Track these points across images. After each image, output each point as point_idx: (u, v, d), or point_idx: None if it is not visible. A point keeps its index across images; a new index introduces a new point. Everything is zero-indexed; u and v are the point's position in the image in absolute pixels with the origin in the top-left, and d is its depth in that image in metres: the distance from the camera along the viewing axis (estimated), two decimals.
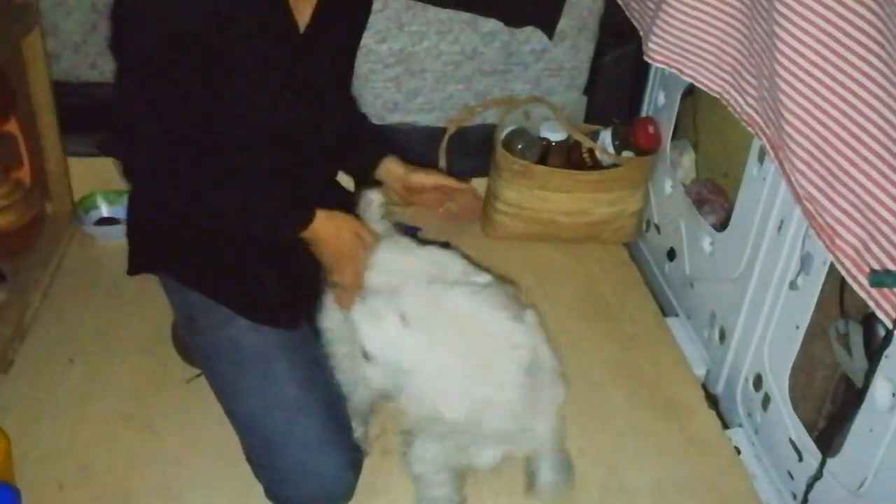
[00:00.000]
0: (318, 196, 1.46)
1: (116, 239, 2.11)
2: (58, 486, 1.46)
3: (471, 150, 2.28)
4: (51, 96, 1.99)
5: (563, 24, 2.15)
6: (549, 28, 2.14)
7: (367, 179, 1.64)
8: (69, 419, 1.60)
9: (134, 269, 1.56)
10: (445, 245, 1.59)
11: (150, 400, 1.66)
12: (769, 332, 1.60)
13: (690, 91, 1.99)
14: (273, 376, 1.41)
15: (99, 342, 1.79)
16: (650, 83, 2.19)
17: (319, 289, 1.47)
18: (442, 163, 2.24)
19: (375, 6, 2.03)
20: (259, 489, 1.41)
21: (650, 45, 1.57)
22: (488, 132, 2.24)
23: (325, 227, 1.38)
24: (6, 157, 1.95)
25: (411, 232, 2.17)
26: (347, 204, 1.53)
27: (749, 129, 1.40)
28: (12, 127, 1.98)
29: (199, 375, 1.65)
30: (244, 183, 1.38)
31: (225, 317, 1.44)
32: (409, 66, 2.15)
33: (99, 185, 2.19)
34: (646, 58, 1.60)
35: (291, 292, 1.48)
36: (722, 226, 1.82)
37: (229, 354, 1.43)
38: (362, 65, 2.13)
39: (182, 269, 1.51)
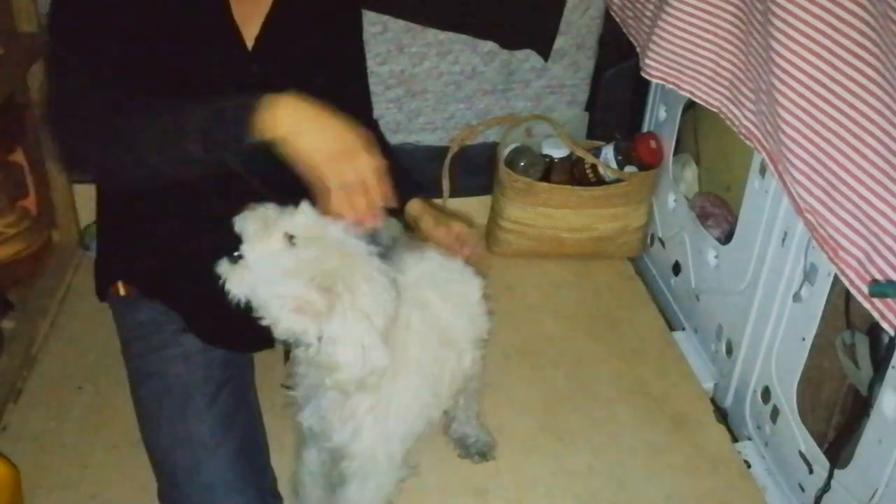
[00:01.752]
0: None
1: None
2: None
3: (473, 169, 2.29)
4: None
5: (563, 41, 2.16)
6: (544, 51, 2.16)
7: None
8: (79, 447, 1.60)
9: (99, 280, 1.49)
10: None
11: None
12: (776, 344, 1.60)
13: (691, 105, 1.99)
14: (190, 411, 1.33)
15: (107, 369, 1.79)
16: (651, 98, 2.19)
17: None
18: (445, 182, 2.25)
19: (374, 29, 2.05)
20: None
21: (647, 61, 1.57)
22: (490, 150, 2.25)
23: (295, 110, 1.08)
24: (13, 187, 1.97)
25: None
26: None
27: (748, 142, 1.40)
28: (18, 157, 2.00)
29: None
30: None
31: (159, 344, 1.38)
32: (410, 87, 2.17)
33: None
34: (643, 73, 1.61)
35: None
36: (726, 239, 1.82)
37: (153, 383, 1.37)
38: None
39: (146, 278, 1.43)
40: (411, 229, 1.56)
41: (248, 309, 1.15)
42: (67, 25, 1.21)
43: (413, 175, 1.60)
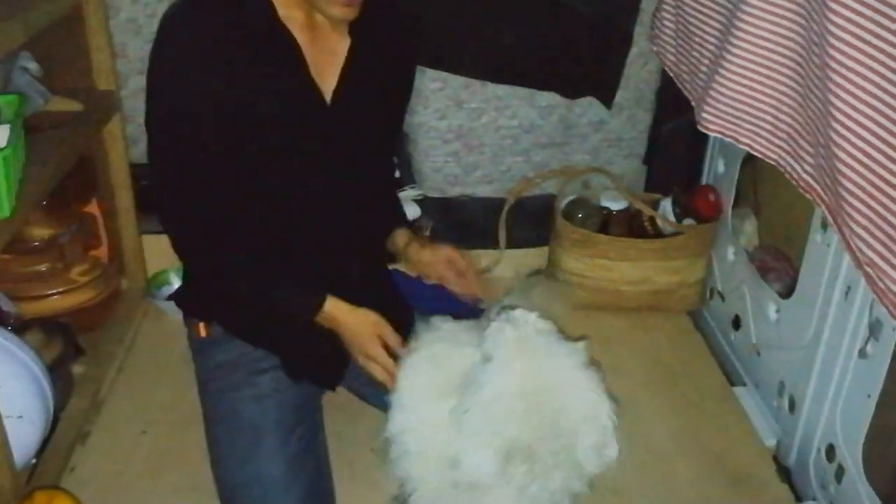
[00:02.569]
0: (360, 276, 1.49)
1: None
2: None
3: (530, 221, 2.31)
4: (129, 178, 2.09)
5: (620, 96, 2.18)
6: (607, 99, 2.18)
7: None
8: (142, 490, 1.63)
9: (186, 316, 1.60)
10: None
11: None
12: (840, 401, 1.56)
13: (751, 158, 1.99)
14: (261, 451, 1.40)
15: (170, 415, 1.83)
16: (709, 151, 2.20)
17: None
18: (502, 234, 2.27)
19: (434, 85, 2.10)
20: None
21: (703, 115, 1.58)
22: (547, 202, 2.27)
23: (341, 312, 1.39)
24: (86, 237, 2.05)
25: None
26: (395, 294, 1.58)
27: (807, 195, 1.39)
28: (93, 208, 2.09)
29: None
30: (270, 261, 1.42)
31: (234, 384, 1.46)
32: (468, 141, 2.21)
33: (171, 261, 2.26)
34: (700, 127, 1.61)
35: (334, 352, 1.47)
36: (787, 293, 1.80)
37: (227, 421, 1.45)
38: (423, 140, 2.19)
39: (230, 318, 1.51)
40: (397, 260, 1.61)
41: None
42: (160, 117, 1.33)
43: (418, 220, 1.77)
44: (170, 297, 1.68)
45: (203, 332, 1.54)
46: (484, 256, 2.33)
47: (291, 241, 1.44)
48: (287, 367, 1.48)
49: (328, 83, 1.38)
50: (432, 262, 1.52)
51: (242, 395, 1.45)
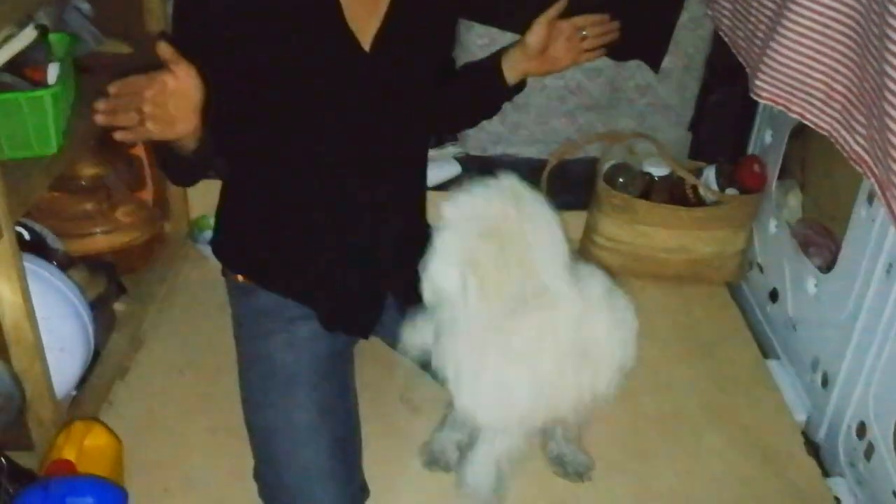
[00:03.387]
0: (394, 208, 1.49)
1: None
2: (163, 491, 1.54)
3: (571, 184, 2.29)
4: None
5: (669, 61, 2.15)
6: (655, 63, 2.15)
7: (496, 89, 1.59)
8: (177, 429, 1.68)
9: (224, 268, 1.62)
10: None
11: None
12: (874, 379, 1.55)
13: (800, 131, 1.95)
14: (294, 397, 1.42)
15: (208, 357, 1.87)
16: (757, 121, 2.16)
17: (384, 301, 1.53)
18: None
19: (481, 42, 2.08)
20: None
21: (757, 82, 1.55)
22: (590, 166, 2.25)
23: None
24: (132, 179, 2.08)
25: None
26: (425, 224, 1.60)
27: (857, 168, 1.37)
28: (139, 150, 2.12)
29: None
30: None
31: (269, 330, 1.48)
32: (514, 100, 2.18)
33: (214, 206, 2.29)
34: (752, 95, 1.58)
35: (365, 300, 1.52)
36: (827, 268, 1.77)
37: (261, 366, 1.48)
38: None
39: (262, 268, 1.53)
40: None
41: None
42: (190, 38, 1.26)
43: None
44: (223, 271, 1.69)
45: (240, 278, 1.57)
46: None
47: (328, 184, 1.43)
48: (321, 317, 1.50)
49: (368, 28, 1.34)
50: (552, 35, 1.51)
51: (277, 342, 1.47)
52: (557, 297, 1.24)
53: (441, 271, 1.21)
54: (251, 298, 1.54)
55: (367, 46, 1.35)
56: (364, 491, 1.44)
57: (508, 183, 1.27)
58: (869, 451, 1.55)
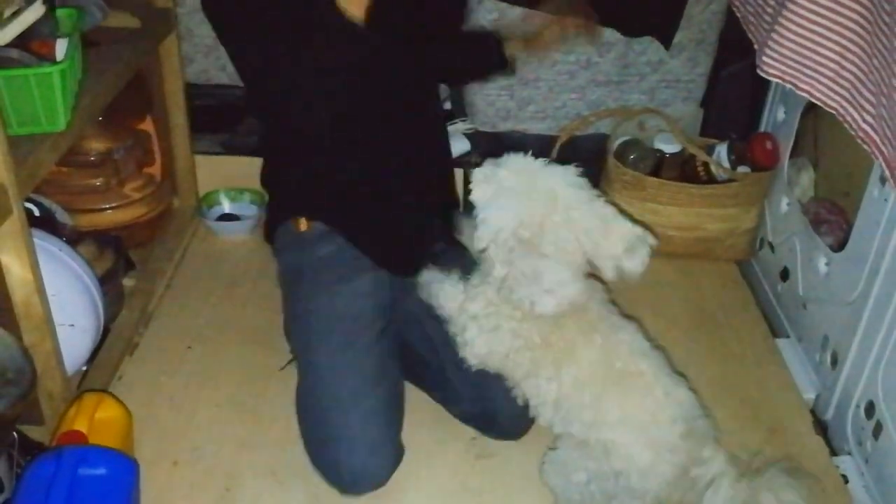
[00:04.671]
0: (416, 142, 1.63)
1: (236, 235, 2.22)
2: (172, 464, 1.55)
3: (582, 160, 2.26)
4: (183, 97, 2.11)
5: (682, 36, 2.13)
6: (666, 39, 2.12)
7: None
8: (185, 402, 1.69)
9: (276, 218, 1.68)
10: None
11: (259, 389, 1.73)
12: (884, 358, 1.54)
13: (812, 107, 1.93)
14: (359, 343, 1.49)
15: (215, 332, 1.88)
16: (770, 98, 2.13)
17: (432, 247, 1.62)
18: None
19: (491, 17, 2.07)
20: None
21: (764, 58, 1.53)
22: (601, 142, 2.24)
23: None
24: (141, 154, 2.08)
25: None
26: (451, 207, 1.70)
27: (864, 146, 1.35)
28: (147, 125, 2.12)
29: (290, 362, 1.71)
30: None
31: (334, 279, 1.56)
32: (523, 75, 2.18)
33: (222, 182, 2.30)
34: (759, 71, 1.57)
35: (413, 236, 1.63)
36: (839, 247, 1.76)
37: (324, 312, 1.53)
38: None
39: (331, 210, 1.61)
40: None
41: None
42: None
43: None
44: (267, 205, 1.80)
45: (304, 227, 1.62)
46: None
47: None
48: (375, 252, 1.59)
49: (358, 11, 1.37)
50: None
51: (341, 290, 1.55)
52: None
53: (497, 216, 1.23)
54: (316, 247, 1.60)
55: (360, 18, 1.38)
56: (402, 450, 1.51)
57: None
58: (877, 430, 1.54)
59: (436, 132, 1.75)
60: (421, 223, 1.65)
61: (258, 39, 1.40)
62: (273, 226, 1.70)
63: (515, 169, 1.29)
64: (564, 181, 1.27)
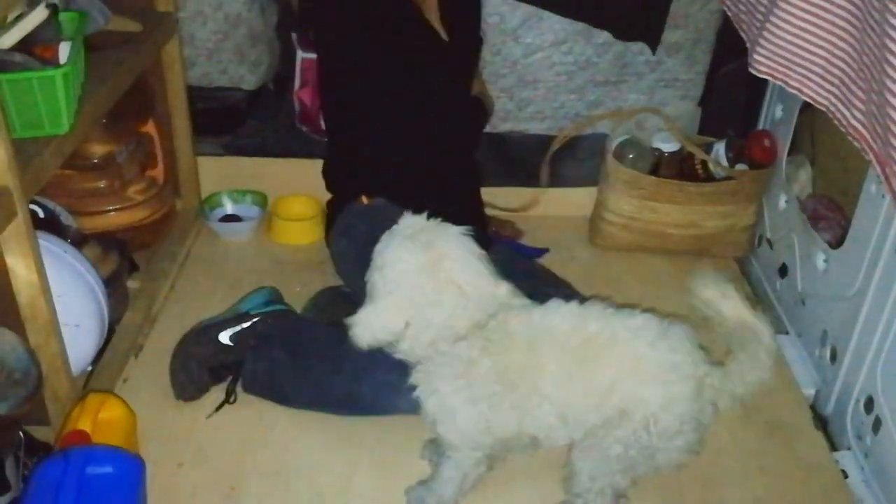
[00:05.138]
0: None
1: (239, 236, 2.24)
2: (177, 465, 1.56)
3: (581, 159, 2.29)
4: (185, 100, 2.13)
5: (680, 35, 2.14)
6: (652, 43, 2.14)
7: None
8: (189, 404, 1.70)
9: (338, 205, 1.89)
10: None
11: None
12: (883, 353, 1.55)
13: (810, 105, 1.94)
14: None
15: None
16: (768, 96, 2.15)
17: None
18: (545, 174, 2.27)
19: (492, 20, 2.08)
20: (363, 476, 1.53)
21: (755, 56, 1.55)
22: (600, 142, 2.25)
23: None
24: (143, 157, 2.09)
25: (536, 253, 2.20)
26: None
27: (855, 143, 1.36)
28: (149, 128, 2.13)
29: (217, 409, 1.70)
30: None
31: None
32: (523, 77, 2.19)
33: (224, 184, 2.32)
34: (750, 69, 1.58)
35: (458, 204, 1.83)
36: (837, 243, 1.77)
37: None
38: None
39: (392, 185, 1.83)
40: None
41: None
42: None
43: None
44: (331, 189, 1.99)
45: (366, 202, 1.82)
46: (531, 195, 2.33)
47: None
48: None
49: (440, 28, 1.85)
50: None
51: None
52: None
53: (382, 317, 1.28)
54: (380, 214, 1.67)
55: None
56: None
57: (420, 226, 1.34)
58: (877, 425, 1.56)
59: (468, 115, 2.05)
60: (461, 189, 1.96)
61: (359, 40, 1.77)
62: (338, 209, 1.88)
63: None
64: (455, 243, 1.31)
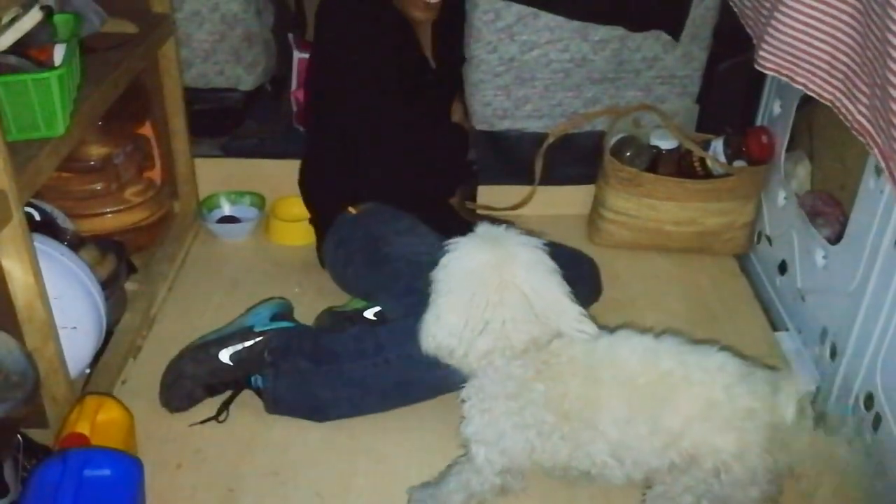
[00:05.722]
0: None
1: (236, 237, 2.24)
2: (176, 466, 1.56)
3: (579, 157, 2.29)
4: (182, 102, 2.12)
5: None
6: (676, 31, 2.12)
7: None
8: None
9: (324, 217, 1.95)
10: None
11: None
12: (882, 350, 1.55)
13: (807, 101, 1.94)
14: None
15: None
16: (765, 92, 2.14)
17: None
18: (538, 170, 2.26)
19: (486, 17, 2.08)
20: (361, 480, 1.52)
21: (762, 52, 1.54)
22: (597, 139, 2.25)
23: None
24: (140, 158, 2.09)
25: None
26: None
27: (860, 138, 1.36)
28: (146, 130, 2.13)
29: (205, 420, 1.68)
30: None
31: (410, 222, 1.84)
32: (520, 75, 2.18)
33: (222, 185, 2.32)
34: (756, 65, 1.58)
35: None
36: (836, 239, 1.77)
37: (427, 244, 1.74)
38: (472, 73, 2.18)
39: (373, 193, 1.90)
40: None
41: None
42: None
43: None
44: (312, 200, 2.05)
45: (354, 211, 1.88)
46: (527, 192, 2.33)
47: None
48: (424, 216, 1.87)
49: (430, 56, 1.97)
50: None
51: (420, 228, 1.82)
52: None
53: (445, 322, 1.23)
54: (375, 215, 1.86)
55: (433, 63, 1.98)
56: None
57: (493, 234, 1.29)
58: (876, 422, 1.55)
59: (451, 129, 2.14)
60: (448, 189, 2.07)
61: (359, 65, 1.82)
62: (324, 221, 1.94)
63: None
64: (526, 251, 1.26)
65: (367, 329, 1.71)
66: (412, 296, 1.63)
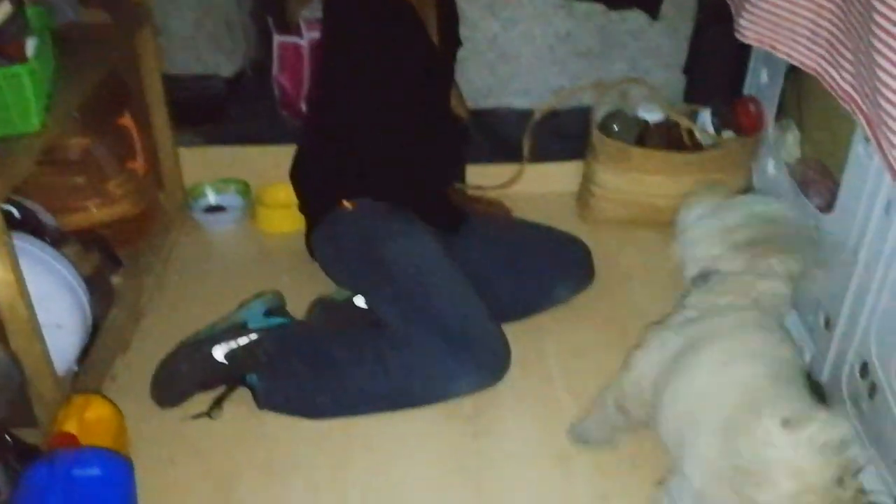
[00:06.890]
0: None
1: (223, 226, 2.21)
2: (169, 463, 1.55)
3: (566, 133, 2.27)
4: (162, 90, 2.09)
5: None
6: (652, 9, 2.10)
7: None
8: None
9: (316, 211, 1.87)
10: None
11: None
12: (875, 318, 1.54)
13: (795, 68, 1.91)
14: (454, 269, 1.71)
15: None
16: (752, 61, 2.12)
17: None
18: (526, 148, 2.24)
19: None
20: (356, 472, 1.51)
21: (741, 21, 1.52)
22: (585, 115, 2.22)
23: None
24: (122, 150, 2.06)
25: None
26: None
27: (845, 105, 1.34)
28: (126, 121, 2.09)
29: (197, 416, 1.66)
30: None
31: (407, 222, 1.78)
32: (504, 52, 2.16)
33: (207, 174, 2.29)
34: (737, 35, 1.56)
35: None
36: (827, 207, 1.75)
37: (421, 247, 1.73)
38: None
39: (384, 187, 1.84)
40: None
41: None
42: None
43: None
44: (305, 192, 1.97)
45: (349, 206, 1.80)
46: (516, 170, 2.31)
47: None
48: (422, 209, 1.83)
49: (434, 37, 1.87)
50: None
51: (415, 230, 1.77)
52: None
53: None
54: (370, 212, 1.80)
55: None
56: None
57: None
58: (872, 391, 1.54)
59: (452, 123, 2.10)
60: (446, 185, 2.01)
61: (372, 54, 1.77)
62: (315, 214, 1.87)
63: None
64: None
65: (367, 334, 1.71)
66: (404, 301, 1.65)
